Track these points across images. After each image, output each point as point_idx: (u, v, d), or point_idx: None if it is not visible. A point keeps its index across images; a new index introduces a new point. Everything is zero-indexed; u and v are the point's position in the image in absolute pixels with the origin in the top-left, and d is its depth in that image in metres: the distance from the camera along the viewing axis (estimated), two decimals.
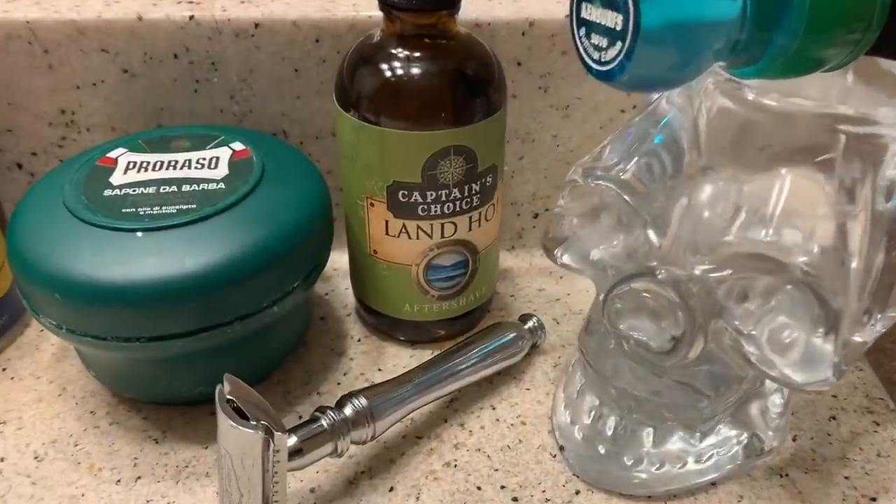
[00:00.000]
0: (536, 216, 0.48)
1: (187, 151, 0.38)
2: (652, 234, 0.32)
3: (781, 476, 0.35)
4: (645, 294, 0.32)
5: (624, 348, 0.33)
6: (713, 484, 0.35)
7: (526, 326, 0.41)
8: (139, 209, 0.34)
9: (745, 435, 0.35)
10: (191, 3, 0.41)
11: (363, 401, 0.34)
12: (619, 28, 0.24)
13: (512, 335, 0.40)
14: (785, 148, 0.30)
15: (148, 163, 0.37)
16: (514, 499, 0.34)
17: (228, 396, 0.30)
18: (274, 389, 0.40)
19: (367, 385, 0.37)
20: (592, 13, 0.25)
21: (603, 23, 0.25)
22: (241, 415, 0.29)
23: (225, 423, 0.29)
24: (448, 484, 0.35)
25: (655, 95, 0.35)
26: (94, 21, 0.41)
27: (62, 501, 0.34)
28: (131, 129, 0.44)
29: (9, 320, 0.42)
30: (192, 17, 0.41)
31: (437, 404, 0.39)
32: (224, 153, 0.38)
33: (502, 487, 0.35)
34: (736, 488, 0.35)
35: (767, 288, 0.31)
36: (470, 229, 0.38)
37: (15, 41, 0.41)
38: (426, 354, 0.42)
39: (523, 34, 0.42)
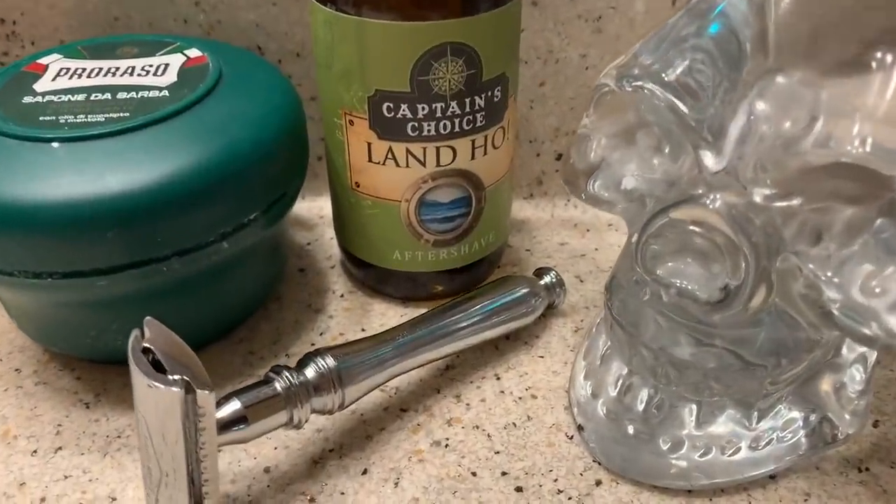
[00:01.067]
0: (559, 157, 0.41)
1: (133, 58, 0.32)
2: (704, 153, 0.25)
3: (860, 470, 0.28)
4: (691, 228, 0.24)
5: (662, 300, 0.26)
6: (772, 477, 0.28)
7: (542, 282, 0.34)
8: (60, 118, 0.28)
9: (814, 417, 0.28)
10: None
11: (330, 361, 0.27)
12: None
13: (524, 291, 0.33)
14: (883, 30, 0.22)
15: (83, 69, 0.31)
16: (518, 489, 0.27)
17: (145, 345, 0.23)
18: (234, 349, 0.33)
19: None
20: None
21: None
22: (159, 369, 0.23)
23: (139, 379, 0.23)
24: (435, 468, 0.28)
25: None
26: None
27: None
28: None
29: None
30: None
31: (430, 371, 0.32)
32: (176, 59, 0.31)
33: (503, 474, 0.28)
34: (801, 484, 0.27)
35: (851, 223, 0.23)
36: (473, 157, 0.31)
37: None
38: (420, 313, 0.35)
39: None
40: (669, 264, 0.25)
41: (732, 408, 0.27)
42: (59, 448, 0.29)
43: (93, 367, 0.32)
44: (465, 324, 0.31)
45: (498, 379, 0.32)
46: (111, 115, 0.28)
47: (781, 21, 0.25)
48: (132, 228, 0.26)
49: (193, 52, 0.32)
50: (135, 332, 0.24)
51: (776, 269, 0.24)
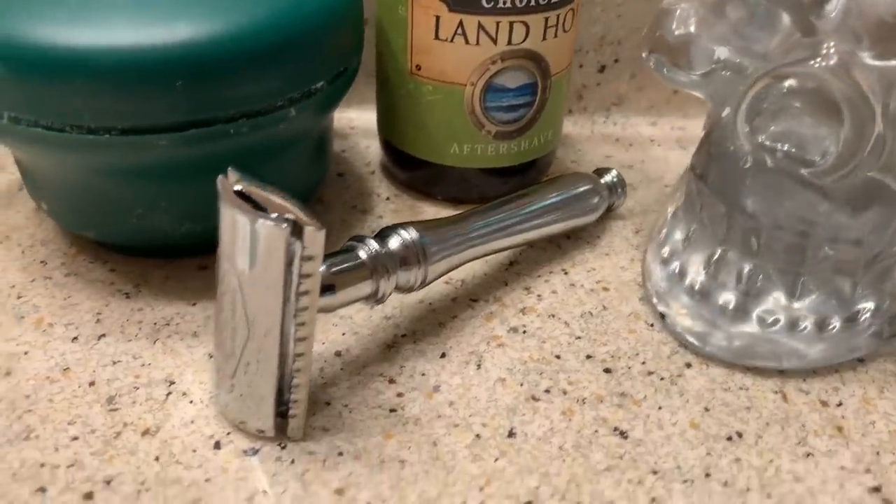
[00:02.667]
0: (603, 69, 0.40)
1: None
2: (811, 15, 0.24)
3: None
4: (799, 84, 0.24)
5: (767, 166, 0.25)
6: (860, 360, 0.27)
7: (603, 180, 0.33)
8: None
9: (887, 305, 0.27)
10: None
11: (413, 233, 0.25)
12: None
13: (587, 187, 0.32)
14: None
15: None
16: (607, 370, 0.26)
17: (237, 188, 0.21)
18: None
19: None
20: None
21: None
22: (256, 207, 0.20)
23: (232, 217, 0.20)
24: (517, 351, 0.26)
25: None
26: None
27: None
28: None
29: None
30: None
31: (493, 266, 0.31)
32: None
33: (588, 357, 0.26)
34: (890, 366, 0.27)
35: None
36: (544, 38, 0.30)
37: None
38: None
39: None
40: (774, 128, 0.25)
41: (826, 287, 0.26)
42: (103, 335, 0.26)
43: (128, 260, 0.30)
44: (533, 215, 0.29)
45: (566, 273, 0.30)
46: None
47: None
48: (202, 81, 0.24)
49: None
50: (221, 177, 0.21)
51: (887, 127, 0.23)
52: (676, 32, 0.28)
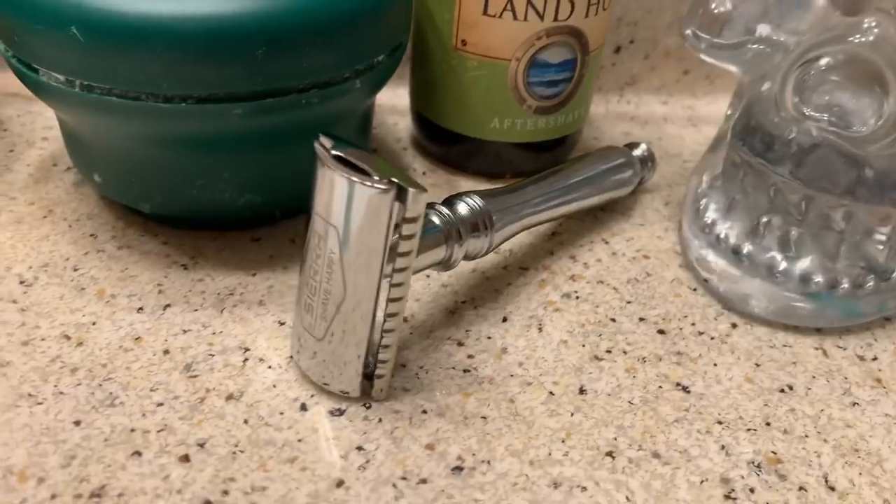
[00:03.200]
0: (619, 50, 0.41)
1: None
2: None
3: None
4: (841, 63, 0.25)
5: (812, 135, 0.26)
6: (887, 319, 0.29)
7: (635, 153, 0.34)
8: None
9: None
10: None
11: (480, 201, 0.26)
12: None
13: (621, 160, 0.33)
14: None
15: None
16: (660, 331, 0.27)
17: (335, 152, 0.21)
18: None
19: None
20: None
21: None
22: (357, 171, 0.21)
23: (332, 181, 0.21)
24: (573, 315, 0.28)
25: None
26: None
27: (65, 330, 0.25)
28: None
29: None
30: None
31: (537, 237, 0.32)
32: None
33: (641, 319, 0.28)
34: None
35: None
36: (587, 15, 0.31)
37: None
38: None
39: None
40: (817, 101, 0.26)
41: (861, 251, 0.28)
42: (167, 305, 0.26)
43: (180, 233, 0.30)
44: (577, 187, 0.31)
45: (606, 243, 0.32)
46: None
47: None
48: (281, 50, 0.24)
49: None
50: (317, 142, 0.22)
51: None
52: (716, 10, 0.29)
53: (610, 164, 0.32)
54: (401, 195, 0.21)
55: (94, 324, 0.25)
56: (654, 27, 0.40)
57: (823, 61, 0.26)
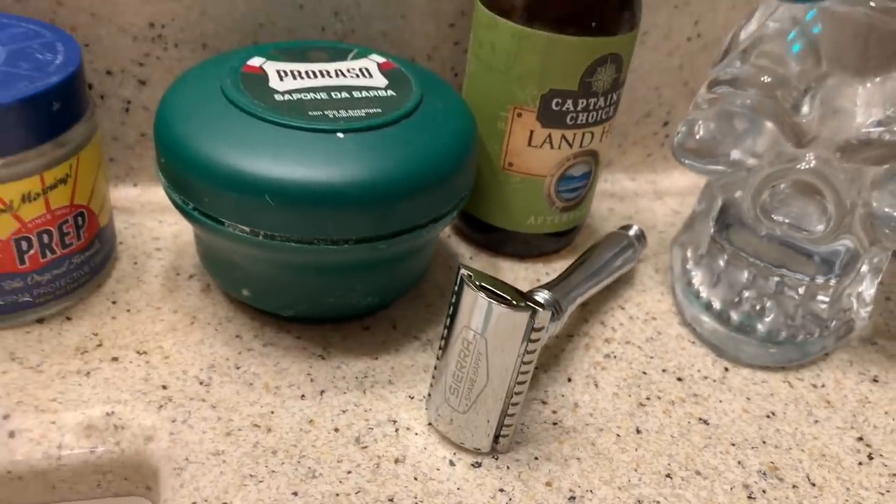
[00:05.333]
0: None
1: (328, 62, 0.37)
2: (795, 129, 0.37)
3: (872, 343, 0.42)
4: (793, 183, 0.36)
5: (775, 234, 0.37)
6: (826, 354, 0.40)
7: (631, 234, 0.44)
8: (325, 112, 0.33)
9: (848, 314, 0.41)
10: None
11: (548, 294, 0.35)
12: None
13: (625, 243, 0.43)
14: None
15: (299, 72, 0.36)
16: (679, 378, 0.38)
17: (479, 283, 0.30)
18: (414, 304, 0.40)
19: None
20: None
21: None
22: (497, 297, 0.30)
23: (483, 304, 0.30)
24: (616, 371, 0.38)
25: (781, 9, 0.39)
26: None
27: (254, 420, 0.33)
28: (224, 46, 0.41)
29: (108, 252, 0.38)
30: None
31: (575, 309, 0.41)
32: (370, 64, 0.37)
33: (663, 371, 0.38)
34: (845, 356, 0.41)
35: (890, 170, 0.36)
36: (601, 140, 0.41)
37: None
38: (537, 268, 0.44)
39: None
40: (779, 209, 0.37)
41: (809, 307, 0.39)
42: (322, 391, 0.34)
43: (309, 328, 0.37)
44: (601, 270, 0.40)
45: (623, 309, 0.42)
46: (367, 110, 0.34)
47: (831, 39, 0.37)
48: (398, 207, 0.32)
49: (378, 58, 0.38)
50: (462, 272, 0.30)
51: (849, 205, 0.36)
52: (698, 137, 0.40)
53: (618, 248, 0.42)
54: (534, 312, 0.30)
55: (272, 413, 0.33)
56: (630, 122, 0.51)
57: (781, 185, 0.37)
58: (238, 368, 0.35)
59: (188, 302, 0.38)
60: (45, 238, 0.34)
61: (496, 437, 0.32)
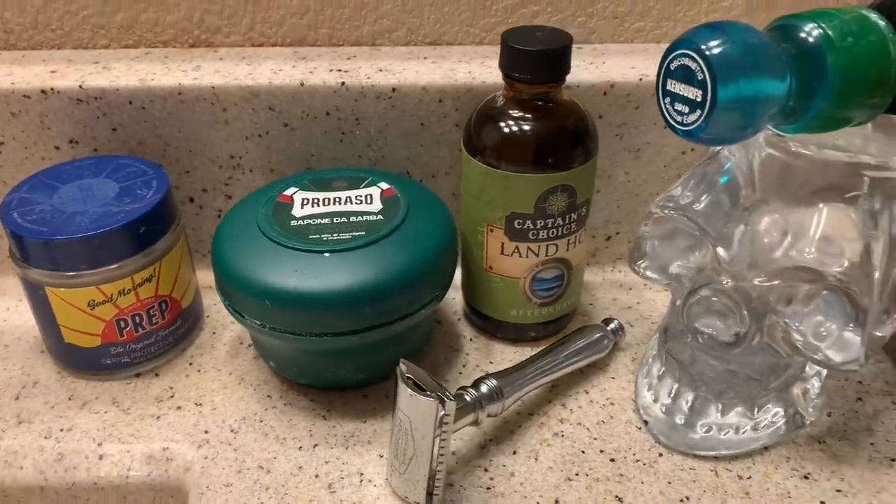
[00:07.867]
0: (609, 238, 0.58)
1: (345, 190, 0.48)
2: (719, 252, 0.42)
3: (820, 443, 0.45)
4: (714, 298, 0.42)
5: (699, 342, 0.43)
6: (766, 448, 0.45)
7: (609, 328, 0.51)
8: (322, 235, 0.44)
9: (790, 410, 0.45)
10: (341, 71, 0.52)
11: (494, 382, 0.44)
12: (699, 100, 0.34)
13: (598, 335, 0.50)
14: (821, 187, 0.40)
15: (318, 199, 0.48)
16: (612, 459, 0.44)
17: (407, 375, 0.40)
18: None
19: (481, 374, 0.47)
20: (676, 87, 0.35)
21: (685, 95, 0.35)
22: (418, 388, 0.39)
23: (406, 393, 0.39)
24: (559, 448, 0.45)
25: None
26: (265, 86, 0.51)
27: (260, 463, 0.44)
28: (286, 171, 0.54)
29: (192, 324, 0.52)
30: (343, 84, 0.51)
31: (543, 389, 0.49)
32: (375, 191, 0.48)
33: (601, 451, 0.45)
34: (784, 451, 0.45)
35: (808, 294, 0.41)
36: (568, 249, 0.48)
37: (201, 102, 0.52)
38: (527, 351, 0.52)
39: (605, 94, 0.52)
40: (702, 320, 0.43)
41: (741, 405, 0.44)
42: (316, 445, 0.45)
43: (321, 393, 0.49)
44: (565, 358, 0.48)
45: (587, 393, 0.49)
46: (354, 233, 0.44)
47: (761, 173, 0.42)
48: (378, 304, 0.43)
49: (384, 185, 0.49)
50: (399, 367, 0.40)
51: (766, 322, 0.41)
52: (644, 251, 0.46)
53: (590, 340, 0.50)
54: (442, 402, 0.39)
55: (274, 458, 0.45)
56: (633, 223, 0.58)
57: (704, 292, 0.42)
58: (262, 421, 0.47)
59: (241, 367, 0.51)
60: (138, 319, 0.48)
61: (429, 495, 0.41)
